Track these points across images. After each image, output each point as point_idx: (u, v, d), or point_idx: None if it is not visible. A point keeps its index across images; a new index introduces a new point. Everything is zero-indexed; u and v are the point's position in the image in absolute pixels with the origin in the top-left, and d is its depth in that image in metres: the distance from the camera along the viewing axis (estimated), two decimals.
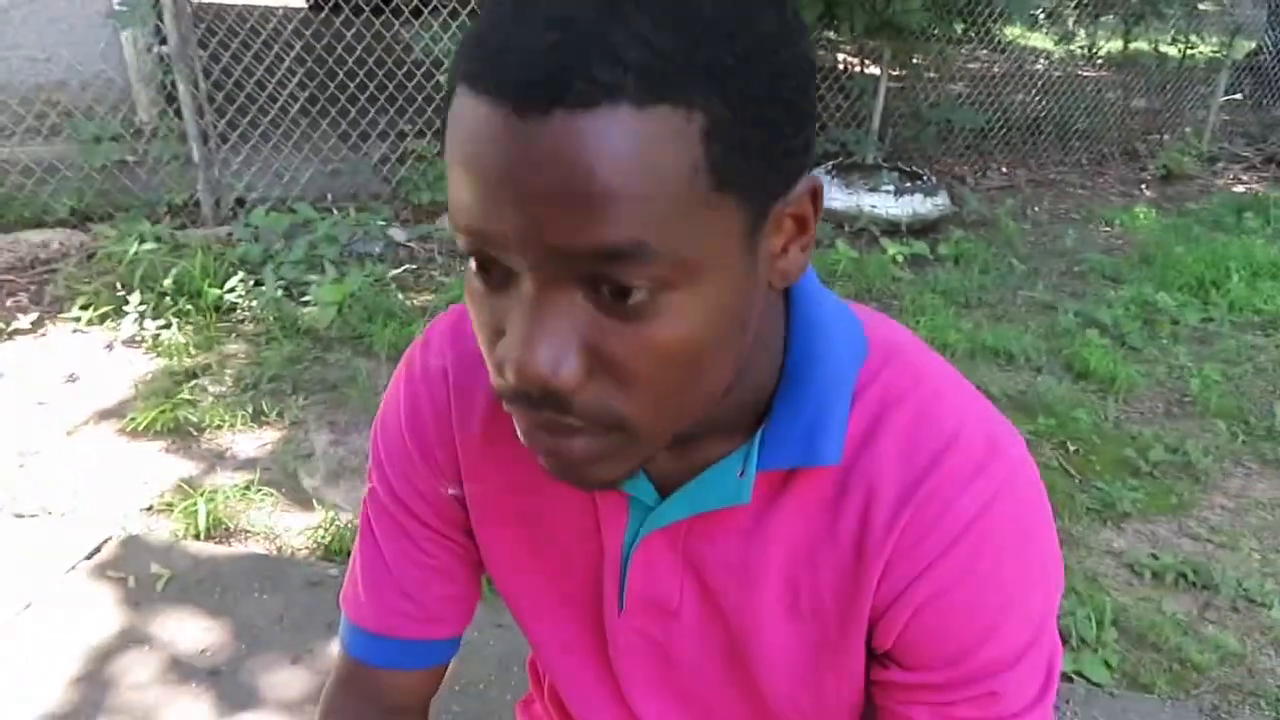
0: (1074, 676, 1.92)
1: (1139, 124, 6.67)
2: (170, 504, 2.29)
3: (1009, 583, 0.57)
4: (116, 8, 3.77)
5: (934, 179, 4.83)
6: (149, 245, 3.38)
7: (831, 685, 0.64)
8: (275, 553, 2.17)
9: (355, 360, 3.01)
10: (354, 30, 4.18)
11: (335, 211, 3.95)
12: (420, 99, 4.35)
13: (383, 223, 3.92)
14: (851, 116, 5.40)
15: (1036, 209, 5.18)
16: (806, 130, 0.48)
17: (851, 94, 5.37)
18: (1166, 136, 6.54)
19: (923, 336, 3.29)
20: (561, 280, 0.45)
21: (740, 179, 0.45)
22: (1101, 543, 2.39)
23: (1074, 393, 3.13)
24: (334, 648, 1.84)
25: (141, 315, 3.14)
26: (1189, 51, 6.75)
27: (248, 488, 2.36)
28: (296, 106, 4.11)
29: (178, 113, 3.88)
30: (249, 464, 2.48)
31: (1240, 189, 5.84)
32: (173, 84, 3.79)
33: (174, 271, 3.26)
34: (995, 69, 6.31)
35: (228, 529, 2.23)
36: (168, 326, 3.10)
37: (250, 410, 2.69)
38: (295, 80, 4.12)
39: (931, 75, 6.13)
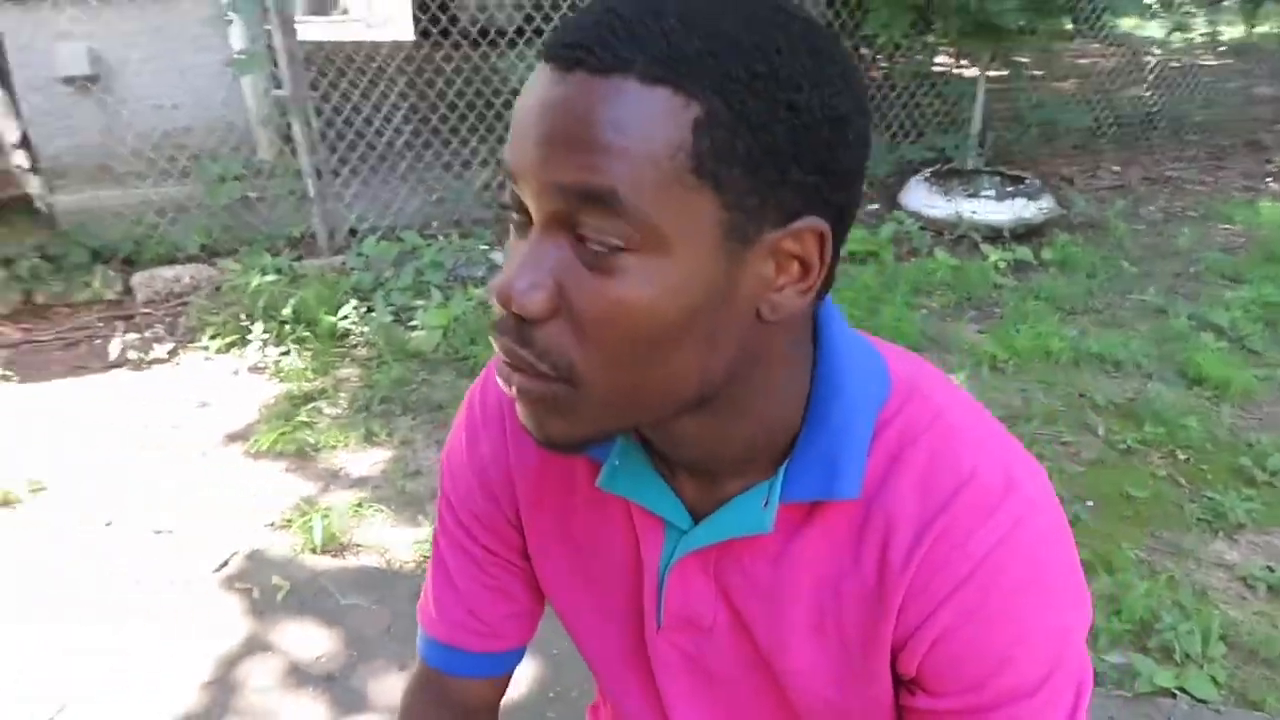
0: (1177, 692, 1.87)
1: (1265, 113, 6.34)
2: (290, 520, 2.45)
3: (1024, 617, 0.59)
4: (235, 56, 4.05)
5: (1038, 182, 4.71)
6: (270, 277, 3.62)
7: (858, 708, 0.67)
8: (385, 566, 2.30)
9: (460, 381, 3.14)
10: (453, 64, 4.36)
11: (440, 238, 4.12)
12: None
13: (485, 247, 4.06)
14: (950, 121, 5.32)
15: (1150, 208, 4.99)
16: (826, 181, 0.53)
17: (949, 99, 5.29)
18: None
19: (1024, 345, 3.28)
20: (555, 226, 0.52)
21: (719, 176, 0.50)
22: (1212, 555, 2.30)
23: (1185, 399, 3.01)
24: None
25: (264, 343, 3.35)
26: None
27: (360, 504, 2.51)
28: (402, 139, 4.32)
29: (293, 151, 4.13)
30: (361, 482, 2.64)
31: None
32: (289, 125, 4.04)
33: (292, 301, 3.47)
34: (1105, 63, 6.10)
35: (341, 544, 2.38)
36: (287, 353, 3.31)
37: (363, 431, 2.85)
38: (400, 114, 4.33)
39: (1036, 74, 5.97)
